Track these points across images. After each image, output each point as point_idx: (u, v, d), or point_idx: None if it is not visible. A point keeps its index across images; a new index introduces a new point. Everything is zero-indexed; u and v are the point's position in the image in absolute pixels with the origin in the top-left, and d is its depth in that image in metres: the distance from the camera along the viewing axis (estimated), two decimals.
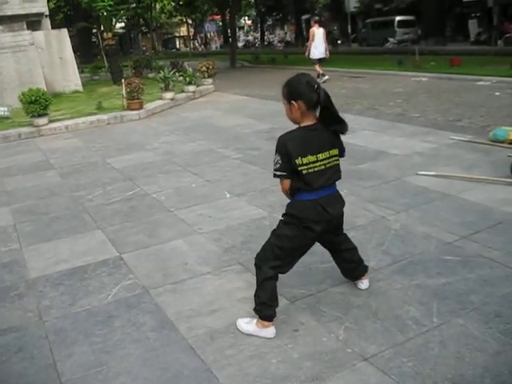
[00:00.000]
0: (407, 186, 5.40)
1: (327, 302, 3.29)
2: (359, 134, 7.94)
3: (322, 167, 2.84)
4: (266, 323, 2.97)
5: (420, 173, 5.74)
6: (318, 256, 3.62)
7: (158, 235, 4.67)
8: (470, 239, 4.02)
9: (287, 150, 2.76)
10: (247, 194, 5.51)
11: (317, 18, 16.98)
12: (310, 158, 2.78)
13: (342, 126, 2.85)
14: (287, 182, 2.87)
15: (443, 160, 6.27)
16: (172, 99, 13.17)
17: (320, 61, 15.74)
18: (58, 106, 12.95)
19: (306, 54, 15.96)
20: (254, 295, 3.01)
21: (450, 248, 3.90)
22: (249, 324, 3.03)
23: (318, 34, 15.45)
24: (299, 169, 2.78)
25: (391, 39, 31.36)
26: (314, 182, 2.83)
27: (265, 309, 2.96)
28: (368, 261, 3.63)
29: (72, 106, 13.30)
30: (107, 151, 8.44)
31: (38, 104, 10.46)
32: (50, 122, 11.01)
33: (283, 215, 2.99)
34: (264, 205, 5.16)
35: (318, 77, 15.03)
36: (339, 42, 35.22)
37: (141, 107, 11.91)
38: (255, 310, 3.01)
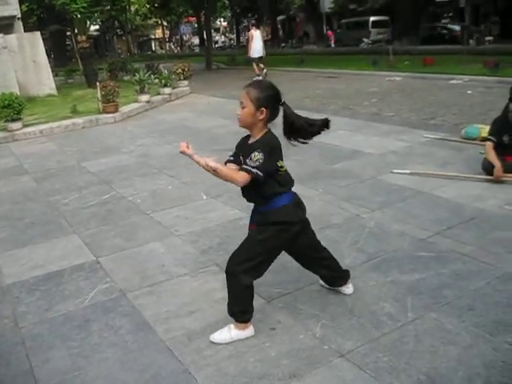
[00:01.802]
0: (382, 185, 5.47)
1: (304, 300, 3.32)
2: (334, 134, 7.99)
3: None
4: (244, 325, 2.96)
5: (394, 171, 5.82)
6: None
7: (135, 238, 4.66)
8: (443, 235, 4.10)
9: (276, 151, 2.76)
10: (224, 196, 5.51)
11: (254, 21, 18.97)
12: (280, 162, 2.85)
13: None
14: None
15: (417, 158, 6.36)
16: (148, 102, 13.09)
17: (259, 59, 17.11)
18: (33, 110, 12.77)
19: (248, 54, 17.44)
20: (230, 303, 2.94)
21: (424, 244, 3.97)
22: (226, 332, 2.96)
23: (256, 35, 17.07)
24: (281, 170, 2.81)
25: (366, 39, 31.64)
26: (289, 182, 2.88)
27: (245, 314, 2.95)
28: (343, 259, 3.68)
29: (46, 110, 13.13)
30: (82, 155, 8.36)
31: (11, 108, 10.32)
32: (24, 126, 10.86)
33: (267, 223, 2.85)
34: (240, 205, 5.15)
35: (259, 75, 16.15)
36: (282, 45, 39.34)
37: (116, 110, 11.82)
38: (235, 316, 2.95)
